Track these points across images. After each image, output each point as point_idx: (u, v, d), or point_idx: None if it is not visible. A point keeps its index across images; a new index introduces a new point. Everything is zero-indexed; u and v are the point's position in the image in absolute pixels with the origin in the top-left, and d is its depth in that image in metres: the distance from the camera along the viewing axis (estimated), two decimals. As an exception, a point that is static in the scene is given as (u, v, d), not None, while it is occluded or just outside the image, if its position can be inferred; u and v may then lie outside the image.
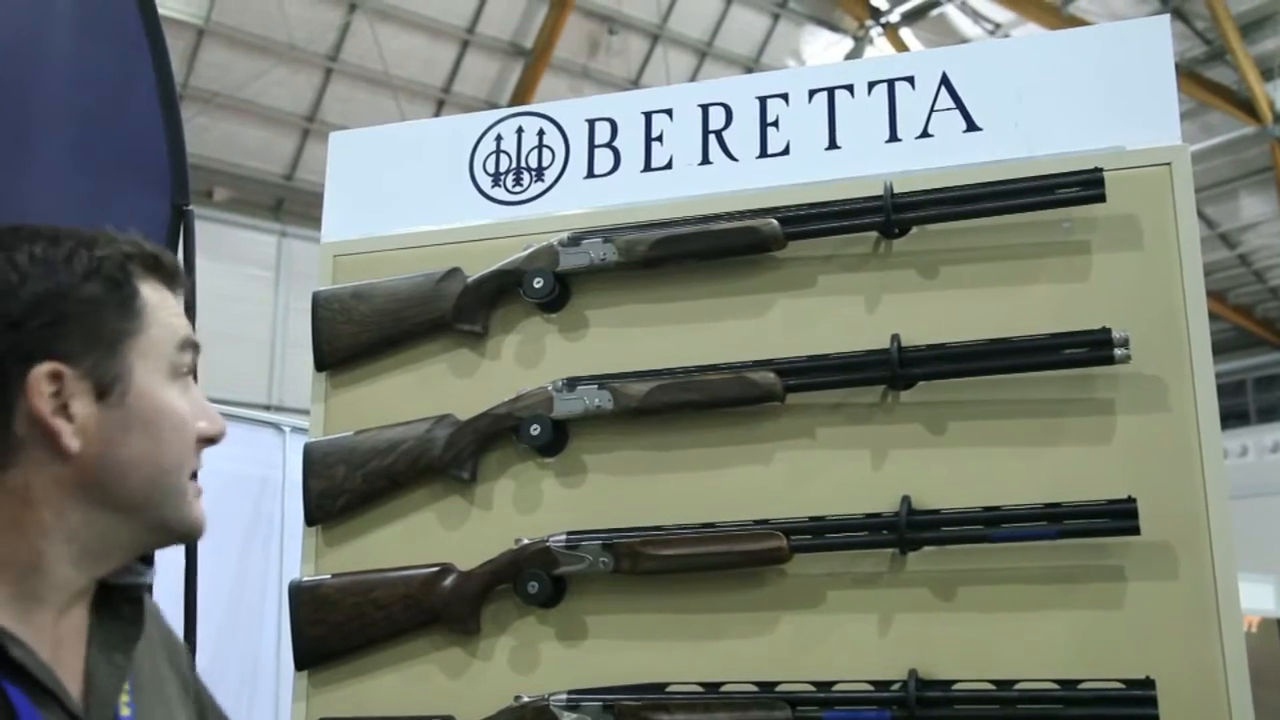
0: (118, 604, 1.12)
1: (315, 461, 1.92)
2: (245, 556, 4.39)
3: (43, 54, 2.12)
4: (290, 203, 12.44)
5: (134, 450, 1.05)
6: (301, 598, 1.87)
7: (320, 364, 1.98)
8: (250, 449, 4.50)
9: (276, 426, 4.79)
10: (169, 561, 2.24)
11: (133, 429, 1.05)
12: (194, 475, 1.11)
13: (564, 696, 1.71)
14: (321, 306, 1.97)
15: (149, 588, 1.16)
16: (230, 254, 11.40)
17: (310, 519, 1.92)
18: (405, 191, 2.06)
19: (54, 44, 2.15)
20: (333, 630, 1.85)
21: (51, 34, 2.14)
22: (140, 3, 2.27)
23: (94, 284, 1.04)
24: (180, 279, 1.14)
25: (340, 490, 1.89)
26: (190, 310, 2.30)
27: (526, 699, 1.73)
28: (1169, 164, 1.68)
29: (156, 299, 1.09)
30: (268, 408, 10.37)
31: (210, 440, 1.12)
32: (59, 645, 1.05)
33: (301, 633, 1.87)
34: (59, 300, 1.02)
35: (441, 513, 1.90)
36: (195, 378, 1.13)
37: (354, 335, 1.94)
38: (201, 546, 2.28)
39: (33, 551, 1.03)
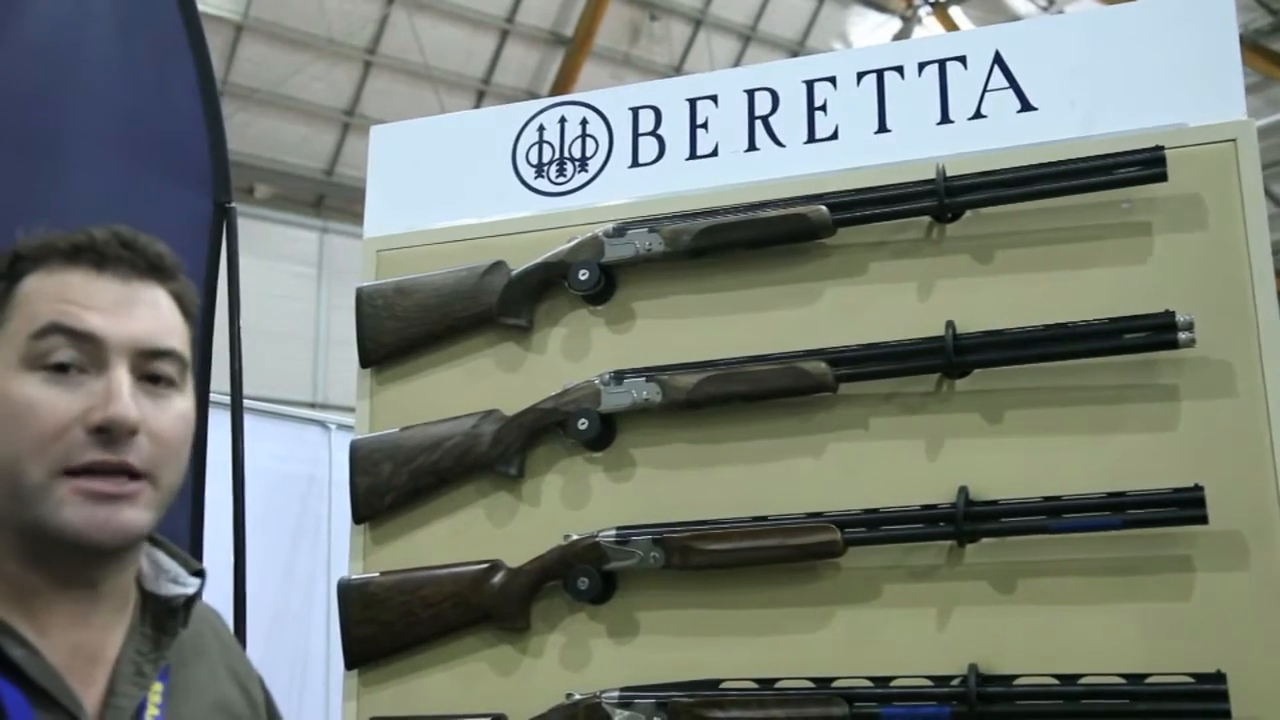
0: (161, 615, 1.11)
1: (361, 459, 1.90)
2: (293, 555, 4.41)
3: (83, 53, 2.12)
4: (331, 198, 12.49)
5: None
6: (350, 596, 1.86)
7: (365, 360, 1.97)
8: (296, 447, 4.53)
9: (322, 424, 4.81)
10: (218, 561, 2.25)
11: None
12: (86, 472, 1.00)
13: (616, 694, 1.69)
14: (365, 302, 1.96)
15: (191, 599, 1.13)
16: (272, 251, 11.46)
17: (357, 516, 1.91)
18: (447, 184, 2.04)
19: (94, 43, 2.15)
20: (382, 628, 1.84)
21: (92, 33, 2.15)
22: (180, 0, 2.27)
23: None
24: (116, 259, 1.06)
25: (387, 487, 1.88)
26: (234, 309, 2.31)
27: (578, 696, 1.71)
28: (1234, 140, 1.63)
29: (40, 288, 1.04)
30: (312, 405, 10.43)
31: (101, 430, 1.00)
32: (94, 654, 1.05)
33: (350, 631, 1.86)
34: None
35: (489, 509, 1.88)
36: (97, 366, 1.02)
37: (398, 331, 1.93)
38: (250, 546, 2.29)
39: None
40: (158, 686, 1.08)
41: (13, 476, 1.00)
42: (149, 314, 1.07)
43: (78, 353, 1.02)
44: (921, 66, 1.82)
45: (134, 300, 1.06)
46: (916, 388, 1.71)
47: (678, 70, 11.84)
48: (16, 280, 1.05)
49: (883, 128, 1.83)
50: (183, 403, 1.08)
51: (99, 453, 1.00)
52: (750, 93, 1.91)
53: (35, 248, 1.06)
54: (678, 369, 1.77)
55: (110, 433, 1.01)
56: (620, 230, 1.83)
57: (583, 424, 1.79)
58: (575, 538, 1.77)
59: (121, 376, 1.02)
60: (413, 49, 11.25)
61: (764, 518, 1.69)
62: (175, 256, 1.12)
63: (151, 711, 1.06)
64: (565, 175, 1.98)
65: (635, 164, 1.95)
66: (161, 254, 1.10)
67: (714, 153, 1.91)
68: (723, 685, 1.66)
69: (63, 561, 1.03)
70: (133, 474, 1.02)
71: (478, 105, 11.52)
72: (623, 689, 1.69)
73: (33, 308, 1.03)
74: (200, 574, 1.15)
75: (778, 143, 1.88)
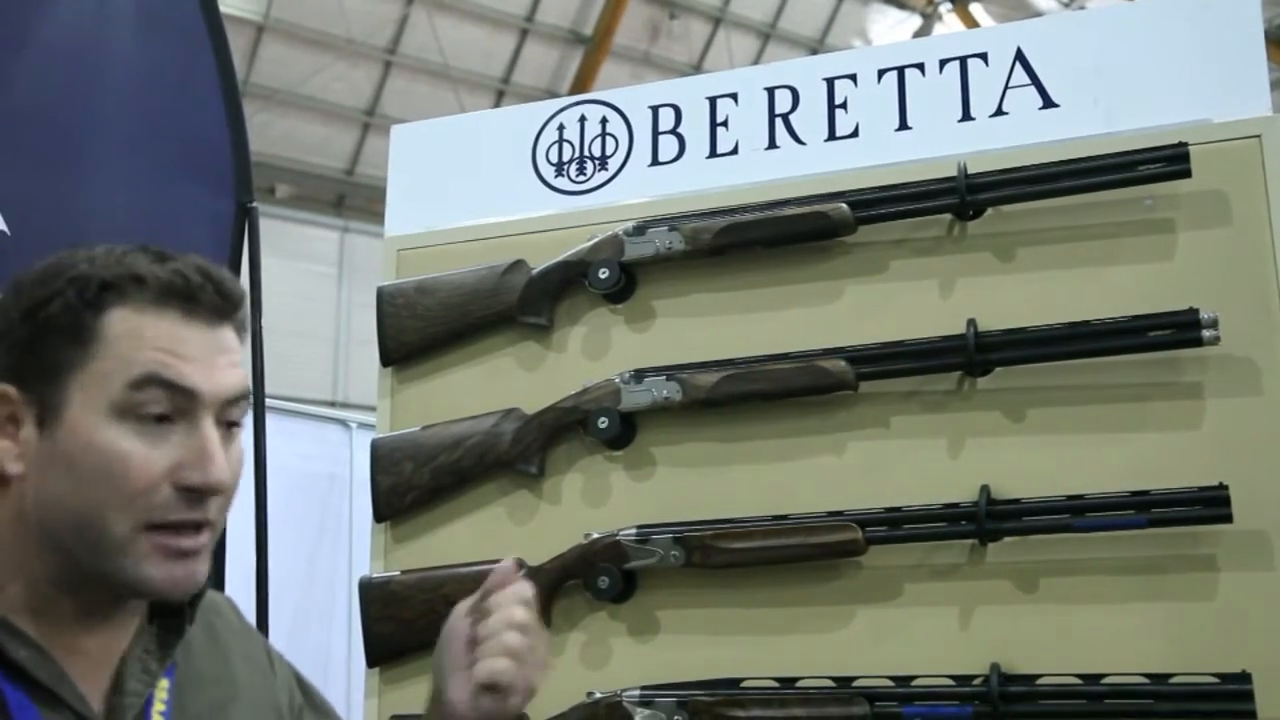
0: (166, 613, 1.11)
1: (382, 458, 1.91)
2: (314, 554, 4.43)
3: (106, 56, 2.14)
4: (351, 198, 12.54)
5: (56, 487, 0.99)
6: (371, 594, 1.87)
7: (386, 359, 1.97)
8: (317, 446, 4.54)
9: (343, 423, 4.83)
10: (240, 559, 2.26)
11: (57, 464, 0.99)
12: (176, 528, 1.00)
13: (636, 693, 1.69)
14: (386, 301, 1.97)
15: (196, 597, 1.12)
16: (293, 251, 11.51)
17: (379, 515, 1.92)
18: (468, 183, 2.05)
19: (117, 45, 2.16)
20: (403, 627, 1.85)
21: (114, 35, 2.16)
22: (202, 1, 2.28)
23: (51, 307, 1.01)
24: (208, 305, 1.03)
25: (408, 486, 1.89)
26: (255, 308, 2.32)
27: (599, 695, 1.71)
28: (1259, 136, 1.61)
29: (133, 329, 1.00)
30: (333, 404, 10.46)
31: (192, 490, 0.99)
32: (100, 653, 1.05)
33: (372, 629, 1.87)
34: (17, 324, 1.01)
35: (510, 508, 1.88)
36: (194, 420, 1.01)
37: (419, 330, 1.94)
38: (272, 544, 2.30)
39: (16, 565, 1.02)
40: (164, 683, 1.08)
41: (94, 525, 0.98)
42: (228, 359, 1.06)
43: (171, 406, 1.01)
44: (942, 64, 1.81)
45: (219, 348, 1.05)
46: (938, 386, 1.70)
47: (697, 68, 11.83)
48: (101, 311, 1.01)
49: (904, 125, 1.82)
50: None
51: (185, 511, 1.00)
52: (770, 90, 1.90)
53: (119, 276, 1.02)
54: (698, 367, 1.77)
55: (202, 494, 1.00)
56: (640, 229, 1.83)
57: (603, 422, 1.79)
58: (596, 536, 1.77)
59: (213, 434, 1.02)
60: (432, 49, 11.27)
61: (785, 516, 1.69)
62: (242, 288, 1.11)
63: (158, 708, 1.06)
64: (585, 174, 1.99)
65: (655, 162, 1.95)
66: (241, 295, 1.09)
67: (734, 151, 1.90)
68: (743, 684, 1.66)
69: (103, 596, 1.03)
70: (205, 526, 1.02)
71: (497, 105, 11.54)
72: (643, 687, 1.69)
73: (127, 352, 1.00)
74: None
75: (798, 141, 1.87)
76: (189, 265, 1.05)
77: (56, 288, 1.01)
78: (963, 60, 1.80)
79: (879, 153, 1.81)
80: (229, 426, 1.06)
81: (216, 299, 1.05)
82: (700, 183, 1.90)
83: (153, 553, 0.99)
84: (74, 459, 0.99)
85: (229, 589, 2.26)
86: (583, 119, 2.01)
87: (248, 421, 2.37)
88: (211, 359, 1.03)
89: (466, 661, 1.19)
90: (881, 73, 1.85)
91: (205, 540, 1.02)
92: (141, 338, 1.01)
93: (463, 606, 1.22)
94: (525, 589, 1.21)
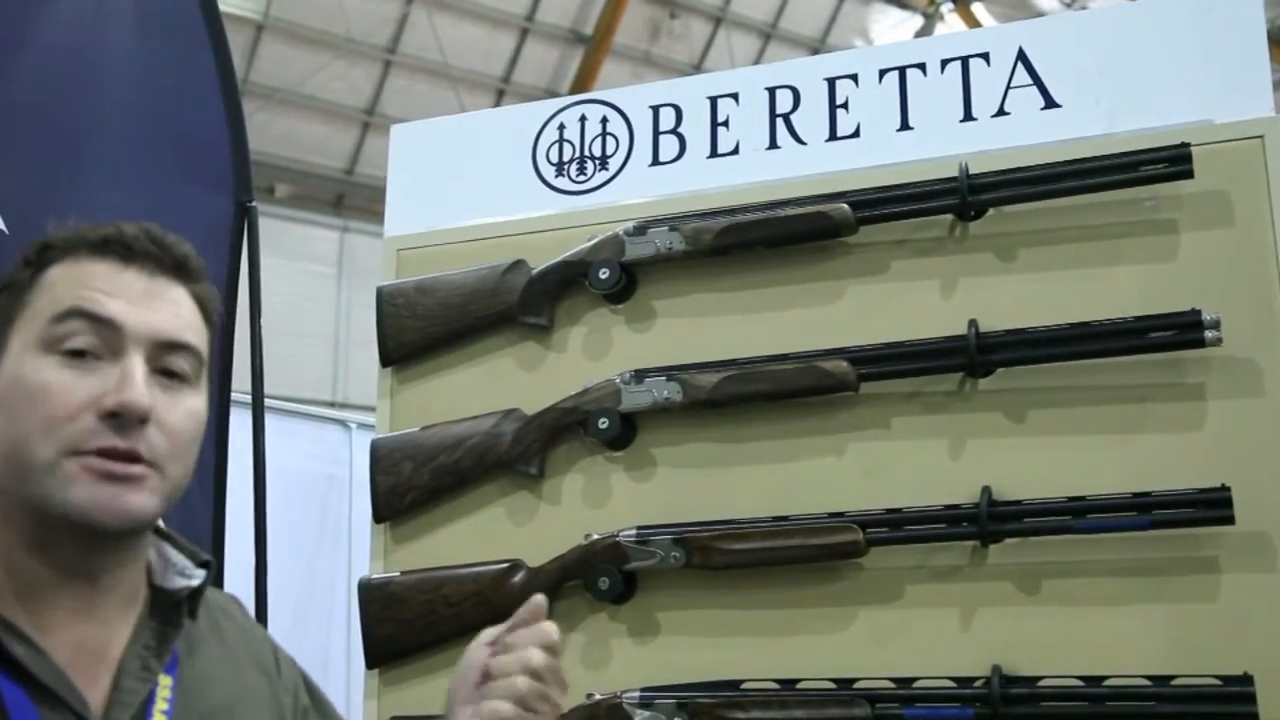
0: (165, 609, 1.10)
1: (382, 458, 1.91)
2: (314, 554, 4.42)
3: (105, 53, 2.13)
4: (351, 198, 12.53)
5: None
6: (371, 595, 1.87)
7: (385, 359, 1.97)
8: (317, 446, 4.54)
9: (342, 423, 4.82)
10: (239, 560, 2.25)
11: None
12: (106, 454, 1.00)
13: (636, 694, 1.69)
14: (386, 301, 1.96)
15: (196, 591, 1.12)
16: (292, 250, 11.49)
17: (378, 516, 1.92)
18: (468, 183, 2.04)
19: (116, 42, 2.15)
20: (402, 628, 1.84)
21: (113, 32, 2.15)
22: (201, 0, 2.27)
23: (6, 278, 1.07)
24: (144, 254, 1.06)
25: (408, 487, 1.88)
26: (255, 308, 2.32)
27: (599, 696, 1.71)
28: (1261, 137, 1.61)
29: (65, 275, 1.05)
30: (333, 404, 10.44)
31: (113, 416, 1.00)
32: (98, 651, 1.04)
33: (371, 630, 1.86)
34: None
35: (510, 508, 1.88)
36: (116, 351, 1.02)
37: (419, 330, 1.93)
38: (271, 545, 2.29)
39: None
40: (166, 680, 1.07)
41: (22, 454, 1.00)
42: (170, 309, 1.07)
43: (96, 339, 1.03)
44: (944, 64, 1.81)
45: (157, 295, 1.07)
46: (939, 387, 1.70)
47: (698, 68, 11.83)
48: (43, 268, 1.06)
49: (905, 125, 1.82)
50: (195, 400, 1.08)
51: (110, 438, 1.00)
52: (771, 90, 1.90)
53: (64, 238, 1.07)
54: (698, 368, 1.76)
55: (121, 418, 1.00)
56: (641, 229, 1.82)
57: (603, 423, 1.79)
58: (596, 537, 1.77)
59: (136, 364, 1.03)
60: (432, 48, 11.27)
61: (785, 517, 1.68)
62: (201, 260, 1.12)
63: (160, 706, 1.05)
64: (586, 174, 1.98)
65: (656, 162, 1.94)
66: (188, 255, 1.10)
67: (735, 151, 1.90)
68: (744, 686, 1.65)
69: (65, 547, 1.03)
70: (141, 460, 1.02)
71: (497, 104, 11.54)
72: (643, 689, 1.69)
73: (56, 292, 1.04)
74: (206, 565, 1.14)
75: (799, 141, 1.87)
76: (133, 224, 1.08)
77: (15, 259, 1.07)
78: (964, 60, 1.80)
79: (880, 153, 1.81)
80: (170, 376, 1.06)
81: (153, 249, 1.07)
82: (701, 183, 1.89)
83: (79, 474, 1.00)
84: (6, 395, 1.02)
85: (229, 589, 2.25)
86: (583, 119, 2.01)
87: (246, 421, 2.37)
88: (145, 301, 1.05)
89: (477, 695, 1.16)
90: (883, 73, 1.84)
91: (141, 471, 1.02)
92: (74, 280, 1.05)
93: (487, 634, 1.19)
94: (550, 630, 1.18)
